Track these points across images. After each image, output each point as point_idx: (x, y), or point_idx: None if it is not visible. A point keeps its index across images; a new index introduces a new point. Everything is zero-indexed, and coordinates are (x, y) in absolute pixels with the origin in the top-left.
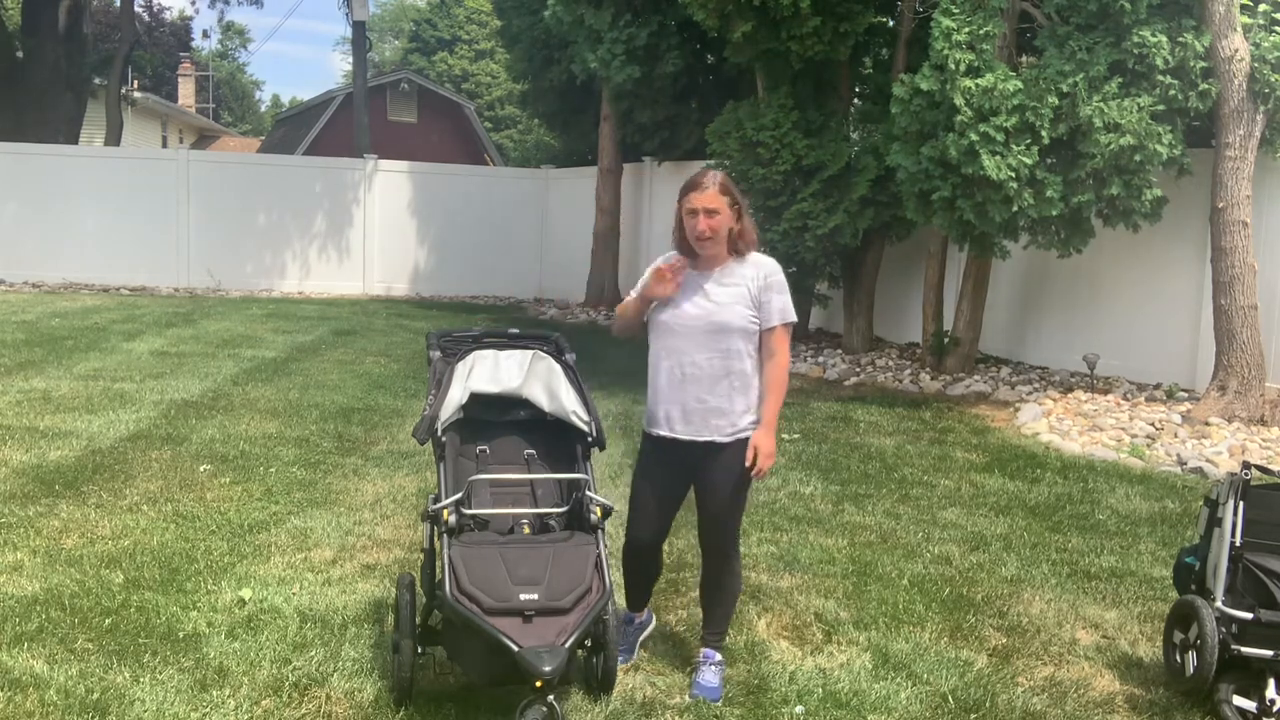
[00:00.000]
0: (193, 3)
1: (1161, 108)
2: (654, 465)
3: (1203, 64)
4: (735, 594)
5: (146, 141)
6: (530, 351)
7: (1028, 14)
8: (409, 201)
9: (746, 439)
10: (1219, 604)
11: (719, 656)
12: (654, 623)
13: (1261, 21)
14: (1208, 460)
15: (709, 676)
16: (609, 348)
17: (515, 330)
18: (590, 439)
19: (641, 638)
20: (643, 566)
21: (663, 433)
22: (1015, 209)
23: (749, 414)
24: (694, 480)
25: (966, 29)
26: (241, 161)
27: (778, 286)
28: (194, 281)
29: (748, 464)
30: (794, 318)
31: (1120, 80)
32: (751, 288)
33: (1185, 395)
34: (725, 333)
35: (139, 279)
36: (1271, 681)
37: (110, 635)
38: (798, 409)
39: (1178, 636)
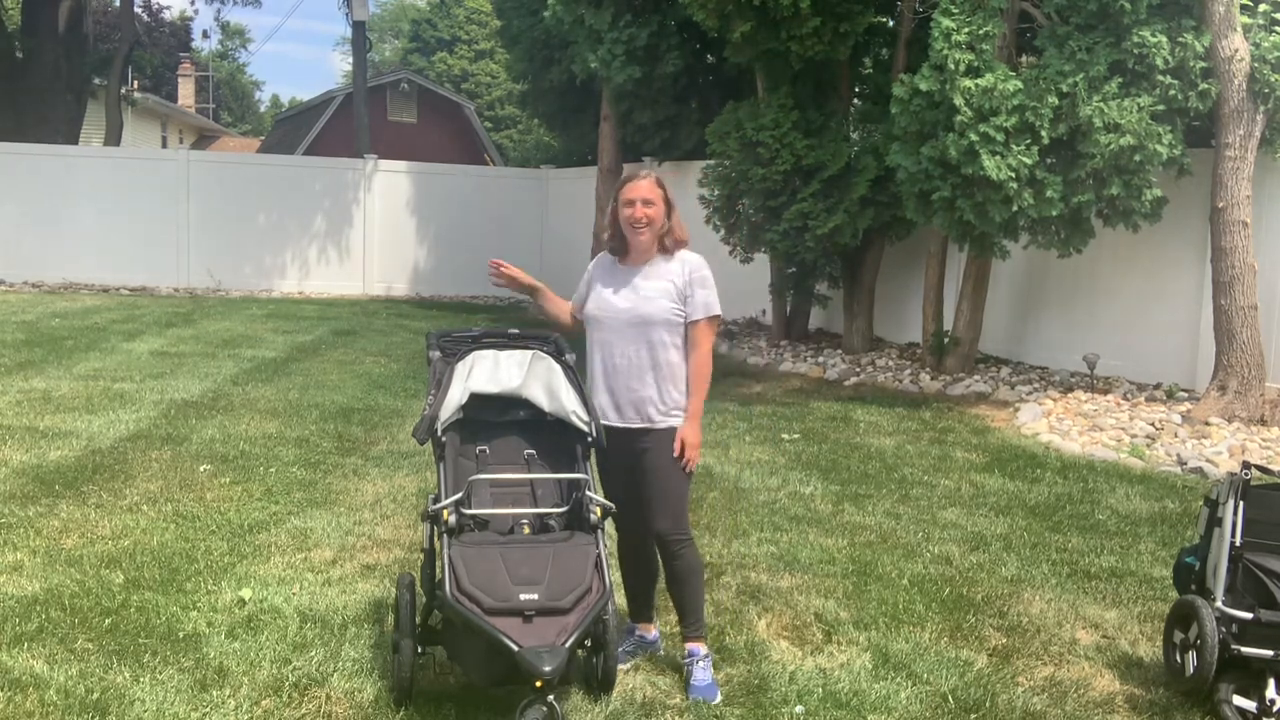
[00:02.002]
0: (192, 2)
1: (1161, 108)
2: (611, 457)
3: (1203, 64)
4: (697, 584)
5: (146, 142)
6: (530, 351)
7: (1028, 14)
8: (409, 201)
9: (678, 427)
10: (1219, 604)
11: (704, 650)
12: (662, 650)
13: (1261, 21)
14: (1208, 460)
15: (700, 675)
16: None
17: (515, 330)
18: (590, 439)
19: (645, 653)
20: (637, 561)
21: (605, 422)
22: (1015, 209)
23: (679, 404)
24: (635, 465)
25: (966, 29)
26: (241, 161)
27: (702, 281)
28: (194, 281)
29: (675, 455)
30: (718, 311)
31: (1120, 80)
32: (678, 282)
33: (1185, 395)
34: (649, 325)
35: (139, 279)
36: (1271, 681)
37: (110, 635)
38: (798, 409)
39: (1178, 636)
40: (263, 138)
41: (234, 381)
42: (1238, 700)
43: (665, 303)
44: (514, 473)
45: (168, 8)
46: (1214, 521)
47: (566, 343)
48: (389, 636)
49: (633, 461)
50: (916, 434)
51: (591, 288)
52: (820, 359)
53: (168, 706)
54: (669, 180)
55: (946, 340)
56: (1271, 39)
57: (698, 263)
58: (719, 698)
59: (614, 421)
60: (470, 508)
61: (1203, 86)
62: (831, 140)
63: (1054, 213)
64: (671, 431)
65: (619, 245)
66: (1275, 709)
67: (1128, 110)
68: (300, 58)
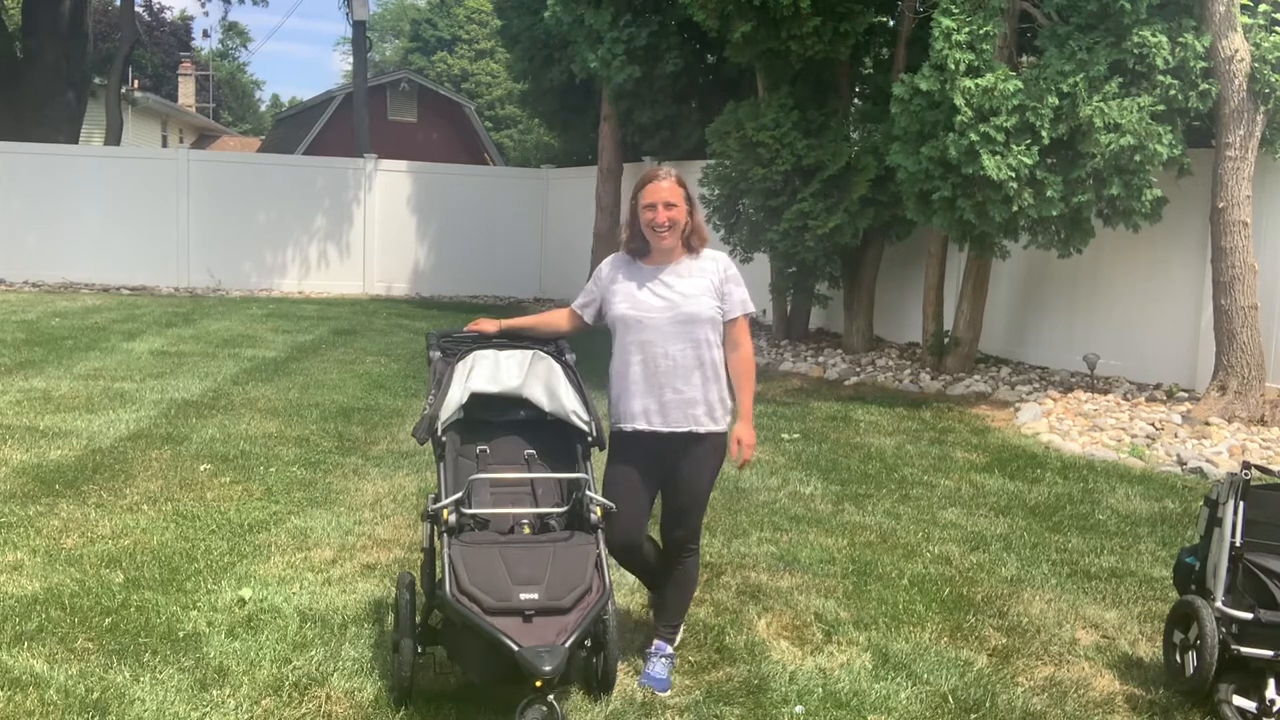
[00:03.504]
0: (202, 4)
1: (1161, 108)
2: (629, 464)
3: (1203, 64)
4: (693, 587)
5: (146, 141)
6: (530, 351)
7: (1028, 14)
8: (409, 201)
9: (721, 433)
10: (1219, 604)
11: (670, 650)
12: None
13: (1261, 21)
14: (1208, 460)
15: (659, 669)
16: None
17: None
18: (590, 439)
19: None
20: (639, 563)
21: (639, 427)
22: (1015, 209)
23: (724, 404)
24: (666, 472)
25: (966, 29)
26: (241, 161)
27: (736, 278)
28: (194, 281)
29: (732, 456)
30: (753, 308)
31: (1120, 80)
32: (714, 280)
33: (1185, 395)
34: (695, 323)
35: (139, 279)
36: (1271, 681)
37: (110, 635)
38: (798, 409)
39: (1178, 636)
40: (263, 137)
41: (234, 381)
42: (1238, 700)
43: (708, 300)
44: (514, 472)
45: (168, 8)
46: (1214, 521)
47: (567, 343)
48: (389, 636)
49: (661, 466)
50: (916, 434)
51: (613, 289)
52: (820, 359)
53: (168, 706)
54: None
55: (946, 340)
56: (1271, 39)
57: (727, 260)
58: (668, 691)
59: (658, 427)
60: (470, 507)
61: (1203, 86)
62: (831, 140)
63: (1054, 213)
64: (714, 439)
65: (640, 246)
66: (1275, 709)
67: (1128, 110)
68: (300, 57)
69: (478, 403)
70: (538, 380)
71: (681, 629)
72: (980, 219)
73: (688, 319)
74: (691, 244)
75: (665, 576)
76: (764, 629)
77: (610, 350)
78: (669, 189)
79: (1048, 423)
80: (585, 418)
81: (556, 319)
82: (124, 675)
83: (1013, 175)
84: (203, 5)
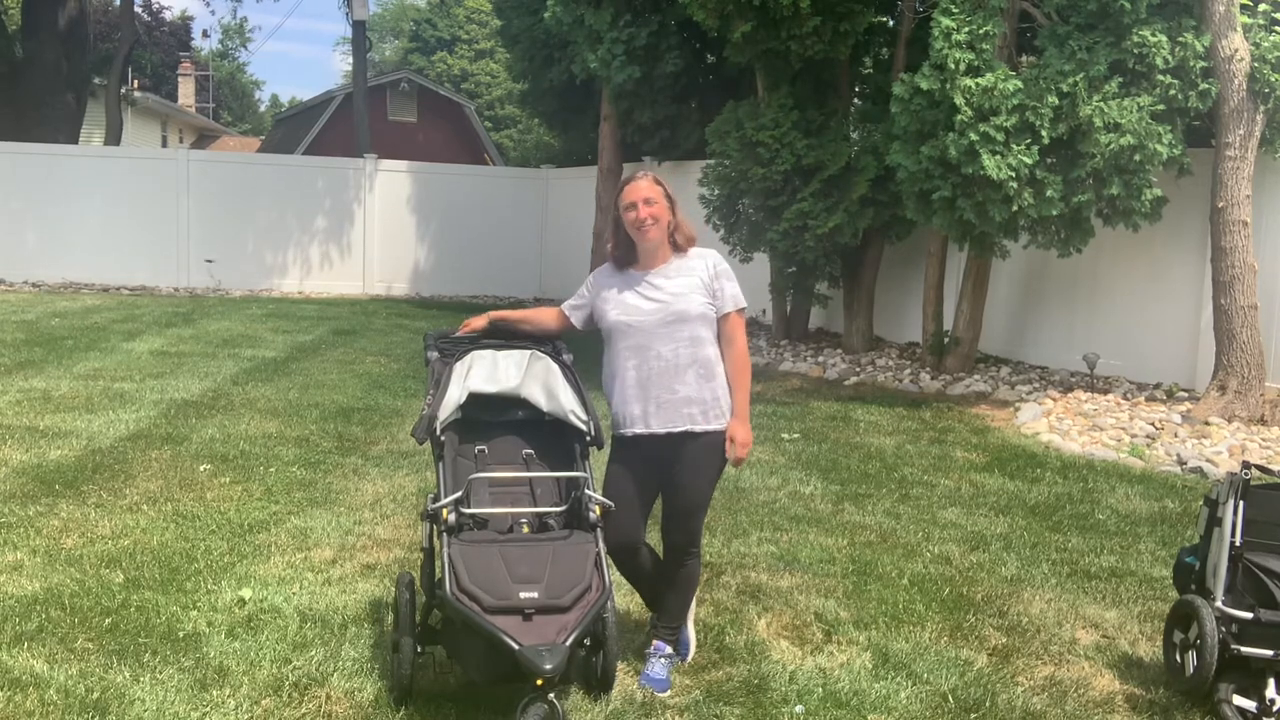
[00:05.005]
0: (207, 3)
1: (1161, 107)
2: (629, 467)
3: (1203, 64)
4: (689, 592)
5: (146, 141)
6: (528, 352)
7: (1028, 14)
8: (409, 201)
9: (718, 431)
10: (1219, 604)
11: (669, 650)
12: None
13: (1261, 21)
14: (1208, 460)
15: (658, 669)
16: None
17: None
18: (589, 438)
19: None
20: (634, 568)
21: (637, 430)
22: (1015, 209)
23: (718, 404)
24: (665, 474)
25: (966, 29)
26: (241, 161)
27: (726, 274)
28: (194, 281)
29: (726, 454)
30: (745, 304)
31: (1120, 80)
32: (704, 276)
33: (1185, 395)
34: (686, 321)
35: (139, 279)
36: (1271, 681)
37: (110, 635)
38: (798, 409)
39: (1178, 636)
40: (263, 137)
41: (234, 381)
42: (1238, 700)
43: (698, 297)
44: (513, 472)
45: (168, 8)
46: (1214, 521)
47: (564, 342)
48: (389, 636)
49: (660, 468)
50: (916, 434)
51: (604, 295)
52: (820, 358)
53: (168, 706)
54: (669, 180)
55: (946, 340)
56: (1271, 39)
57: (717, 256)
58: (668, 692)
59: (655, 428)
60: (469, 507)
61: (1203, 86)
62: (831, 140)
63: (1054, 212)
64: (711, 438)
65: (626, 254)
66: (1275, 709)
67: (1128, 110)
68: (300, 57)
69: (476, 403)
70: (536, 380)
71: (693, 640)
72: (980, 219)
73: (677, 317)
74: (676, 241)
75: (665, 579)
76: (764, 629)
77: (602, 351)
78: (646, 186)
79: (1048, 422)
80: (583, 417)
81: (546, 316)
82: (124, 675)
83: (1013, 175)
84: (208, 3)
